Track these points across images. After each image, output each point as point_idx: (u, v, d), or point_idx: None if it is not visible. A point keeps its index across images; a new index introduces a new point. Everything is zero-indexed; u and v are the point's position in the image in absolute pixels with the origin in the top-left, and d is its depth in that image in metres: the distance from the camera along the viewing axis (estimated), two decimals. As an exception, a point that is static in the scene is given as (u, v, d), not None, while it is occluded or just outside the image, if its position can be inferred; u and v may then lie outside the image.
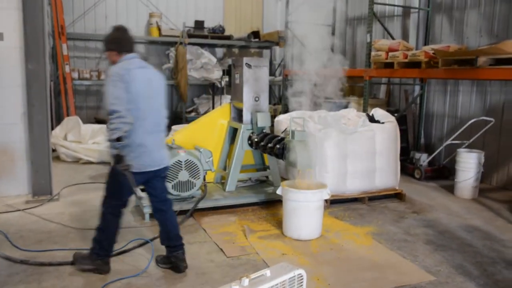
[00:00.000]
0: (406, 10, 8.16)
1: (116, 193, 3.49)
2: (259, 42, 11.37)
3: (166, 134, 3.70)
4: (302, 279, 2.26)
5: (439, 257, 4.00)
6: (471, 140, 6.38)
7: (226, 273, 3.60)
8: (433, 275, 3.62)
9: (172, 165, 4.72)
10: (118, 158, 3.22)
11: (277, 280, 2.13)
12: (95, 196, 5.71)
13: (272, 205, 5.31)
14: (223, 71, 5.70)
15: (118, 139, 3.17)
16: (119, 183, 3.39)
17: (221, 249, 4.05)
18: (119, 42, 3.50)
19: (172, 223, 3.70)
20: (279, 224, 4.67)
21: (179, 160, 4.76)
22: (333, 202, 5.41)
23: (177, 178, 4.77)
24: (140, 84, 3.35)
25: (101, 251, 3.55)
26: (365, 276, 3.60)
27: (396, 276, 3.59)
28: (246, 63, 5.16)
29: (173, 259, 3.62)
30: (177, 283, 3.43)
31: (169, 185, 4.74)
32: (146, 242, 4.08)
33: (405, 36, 8.17)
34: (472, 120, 6.24)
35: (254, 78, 5.23)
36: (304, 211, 4.25)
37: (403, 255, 4.02)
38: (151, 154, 3.46)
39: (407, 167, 7.12)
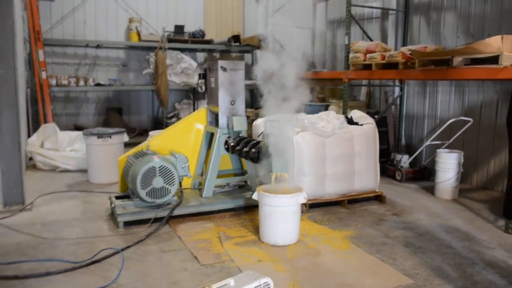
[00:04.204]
0: (384, 12, 8.16)
1: None
2: (240, 46, 11.30)
3: None
4: (268, 287, 2.18)
5: (418, 259, 3.94)
6: (450, 140, 6.37)
7: (199, 282, 3.49)
8: (411, 278, 3.55)
9: (146, 171, 4.61)
10: None
11: (240, 290, 2.05)
12: (70, 205, 5.62)
13: (250, 210, 5.22)
14: (199, 75, 5.61)
15: None
16: None
17: (195, 257, 3.94)
18: None
19: None
20: (256, 229, 4.57)
21: (153, 166, 4.65)
22: (312, 206, 5.34)
23: (151, 184, 4.66)
24: None
25: None
26: (342, 281, 3.51)
27: (373, 280, 3.51)
28: (221, 66, 5.08)
29: None
30: (148, 294, 3.33)
31: (143, 192, 4.63)
32: (117, 252, 3.96)
33: (384, 38, 8.17)
34: (451, 121, 6.23)
35: (230, 82, 5.15)
36: (280, 216, 4.17)
37: (381, 258, 3.96)
38: None
39: (388, 168, 7.09)
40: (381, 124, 7.36)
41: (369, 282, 3.48)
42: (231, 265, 3.79)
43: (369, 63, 6.61)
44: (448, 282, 3.51)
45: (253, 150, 4.64)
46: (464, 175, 6.28)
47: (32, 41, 8.60)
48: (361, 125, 5.74)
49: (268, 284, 2.16)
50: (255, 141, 4.79)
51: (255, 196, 4.36)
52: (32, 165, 7.68)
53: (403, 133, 7.80)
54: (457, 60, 5.05)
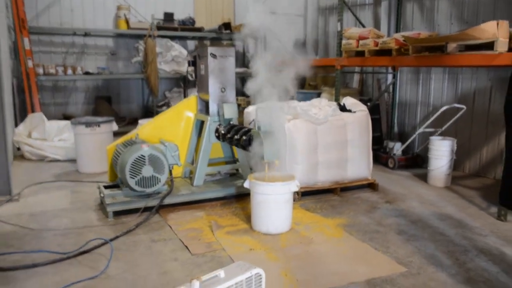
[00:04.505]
0: (377, -2, 8.07)
1: None
2: (231, 33, 11.16)
3: None
4: (260, 278, 2.11)
5: (411, 247, 3.89)
6: (443, 128, 6.32)
7: (190, 272, 3.42)
8: (405, 266, 3.50)
9: (135, 160, 4.52)
10: None
11: (232, 281, 1.97)
12: (59, 195, 5.52)
13: (241, 198, 5.14)
14: (189, 62, 5.49)
15: None
16: None
17: (186, 246, 3.87)
18: None
19: None
20: (248, 218, 4.50)
21: (142, 155, 4.55)
22: (305, 194, 5.27)
23: (140, 173, 4.56)
24: None
25: None
26: (335, 269, 3.46)
27: (366, 269, 3.46)
28: (211, 53, 4.97)
29: None
30: (137, 284, 3.24)
31: (132, 181, 4.54)
32: (106, 242, 3.88)
33: (376, 24, 8.07)
34: (444, 108, 6.17)
35: (220, 69, 5.04)
36: (272, 204, 4.10)
37: (374, 246, 3.91)
38: None
39: (381, 156, 7.04)
40: (374, 111, 7.29)
41: (362, 271, 3.43)
42: (222, 254, 3.73)
43: (362, 50, 6.53)
44: (442, 269, 3.47)
45: (244, 137, 4.56)
46: (456, 163, 6.24)
47: (17, 29, 8.39)
48: (354, 112, 5.67)
49: (260, 275, 2.09)
50: (246, 129, 4.70)
51: (246, 185, 4.29)
52: (20, 155, 7.54)
53: (395, 121, 7.75)
54: (452, 46, 4.97)
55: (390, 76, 7.90)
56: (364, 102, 6.57)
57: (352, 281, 3.27)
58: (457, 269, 3.47)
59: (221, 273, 1.98)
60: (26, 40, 8.42)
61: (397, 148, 6.93)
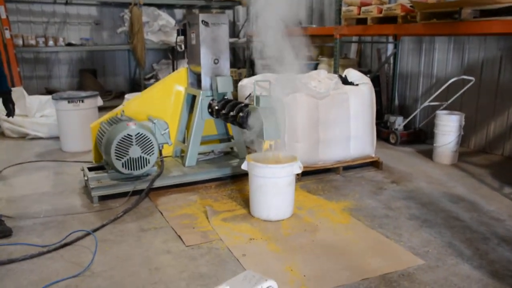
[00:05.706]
0: (378, -38, 7.55)
1: None
2: (221, 1, 10.62)
3: None
4: (272, 291, 1.76)
5: (426, 234, 3.57)
6: (449, 101, 5.95)
7: (185, 267, 3.06)
8: (422, 258, 3.17)
9: (121, 139, 4.10)
10: None
11: (239, 299, 1.62)
12: (40, 176, 5.13)
13: (238, 179, 4.78)
14: (178, 31, 5.02)
15: None
16: None
17: (179, 236, 3.51)
18: None
19: None
20: (245, 201, 4.15)
21: (128, 134, 4.13)
22: (305, 174, 4.90)
23: (127, 154, 4.16)
24: None
25: None
26: (345, 262, 3.12)
27: (380, 262, 3.13)
28: (202, 21, 4.51)
29: None
30: (125, 283, 2.89)
31: (118, 163, 4.14)
32: (89, 234, 3.50)
33: (376, -10, 7.59)
34: (452, 80, 5.77)
35: (212, 38, 4.59)
36: (273, 188, 3.73)
37: (385, 234, 3.57)
38: None
39: (382, 131, 6.66)
40: (374, 83, 6.83)
41: (376, 264, 3.09)
42: (219, 246, 3.37)
43: (364, 17, 6.07)
44: (463, 261, 3.15)
45: (240, 114, 4.16)
46: (462, 138, 5.90)
47: (-9, -4, 7.82)
48: (357, 85, 5.27)
49: None
50: (243, 104, 4.29)
51: (244, 166, 3.91)
52: (-1, 133, 7.11)
53: (396, 93, 7.36)
54: (466, 12, 4.56)
55: (390, 46, 7.47)
56: (363, 73, 6.16)
57: (366, 276, 2.94)
58: (480, 261, 3.15)
59: (226, 289, 1.62)
60: (1, 8, 7.83)
61: (399, 122, 6.57)
